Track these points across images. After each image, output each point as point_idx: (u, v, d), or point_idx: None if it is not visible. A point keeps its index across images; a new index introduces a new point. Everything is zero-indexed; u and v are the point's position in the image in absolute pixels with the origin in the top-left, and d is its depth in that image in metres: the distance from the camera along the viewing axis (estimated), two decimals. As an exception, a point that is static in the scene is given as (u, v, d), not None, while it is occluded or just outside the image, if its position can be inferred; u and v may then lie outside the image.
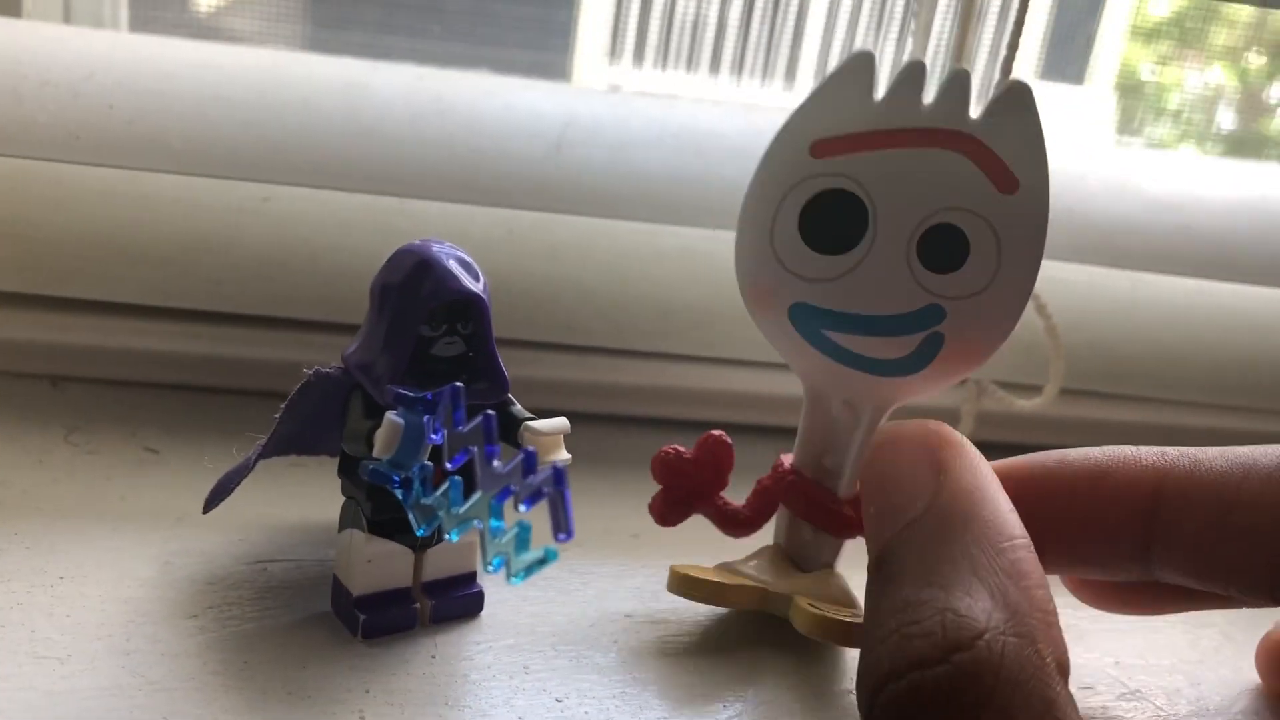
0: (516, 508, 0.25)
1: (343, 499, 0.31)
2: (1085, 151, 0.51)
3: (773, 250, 0.30)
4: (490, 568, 0.25)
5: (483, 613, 0.32)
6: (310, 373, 0.29)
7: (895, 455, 0.27)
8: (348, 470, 0.30)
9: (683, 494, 0.33)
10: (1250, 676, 0.34)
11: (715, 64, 0.83)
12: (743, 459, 0.34)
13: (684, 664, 0.31)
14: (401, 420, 0.27)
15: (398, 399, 0.27)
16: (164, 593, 0.31)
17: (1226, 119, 0.83)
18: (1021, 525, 0.25)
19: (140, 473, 0.37)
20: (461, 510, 0.26)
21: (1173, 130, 0.83)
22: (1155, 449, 0.29)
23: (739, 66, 0.83)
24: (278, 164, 0.41)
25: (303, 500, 0.36)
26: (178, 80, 0.42)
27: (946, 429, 0.27)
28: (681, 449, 0.33)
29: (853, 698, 0.29)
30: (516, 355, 0.40)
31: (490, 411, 0.26)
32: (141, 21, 0.57)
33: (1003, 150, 0.29)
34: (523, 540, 0.25)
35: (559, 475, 0.25)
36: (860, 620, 0.27)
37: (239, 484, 0.31)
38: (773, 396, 0.45)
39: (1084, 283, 0.48)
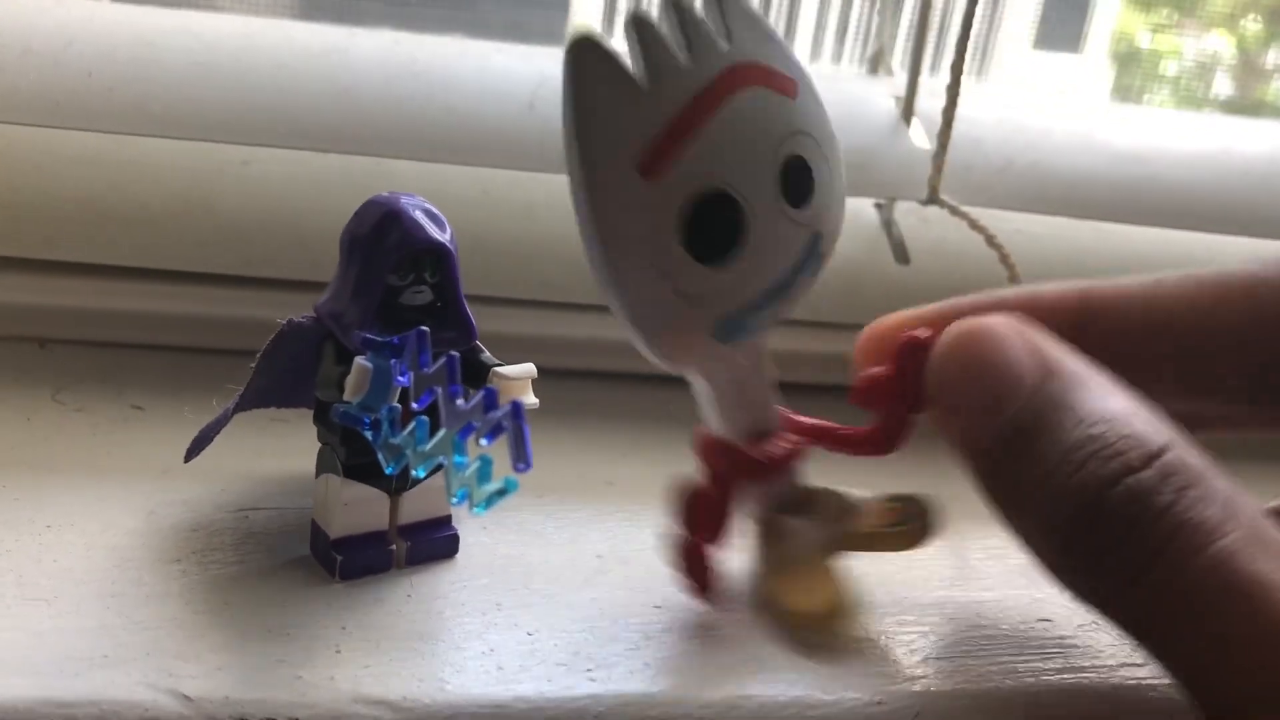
0: (478, 442, 0.26)
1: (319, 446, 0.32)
2: (1050, 107, 0.52)
3: (677, 294, 0.28)
4: (454, 500, 0.27)
5: (459, 555, 0.33)
6: (284, 322, 0.30)
7: (991, 344, 0.28)
8: (322, 417, 0.31)
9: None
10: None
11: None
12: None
13: (652, 599, 0.32)
14: (370, 364, 0.28)
15: (365, 344, 0.28)
16: (148, 540, 0.32)
17: (1223, 85, 0.83)
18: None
19: (126, 428, 0.38)
20: (427, 447, 0.27)
21: (1170, 97, 0.84)
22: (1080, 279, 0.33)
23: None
24: (257, 127, 0.42)
25: (282, 452, 0.37)
26: (157, 47, 0.43)
27: (1022, 318, 0.29)
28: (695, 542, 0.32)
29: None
30: (493, 311, 0.41)
31: (454, 354, 0.27)
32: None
33: (765, 57, 0.28)
34: (484, 473, 0.26)
35: (517, 410, 0.26)
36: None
37: (218, 433, 0.32)
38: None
39: (1049, 234, 0.49)
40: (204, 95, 0.42)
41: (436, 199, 0.32)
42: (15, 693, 0.25)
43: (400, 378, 0.27)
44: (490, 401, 0.26)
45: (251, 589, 0.30)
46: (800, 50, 0.82)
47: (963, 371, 0.29)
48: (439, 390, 0.27)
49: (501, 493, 0.26)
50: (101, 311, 0.43)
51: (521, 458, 0.26)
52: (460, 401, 0.26)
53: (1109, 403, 0.27)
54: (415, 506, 0.32)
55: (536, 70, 0.46)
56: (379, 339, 0.28)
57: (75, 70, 0.41)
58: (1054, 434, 0.27)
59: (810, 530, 0.33)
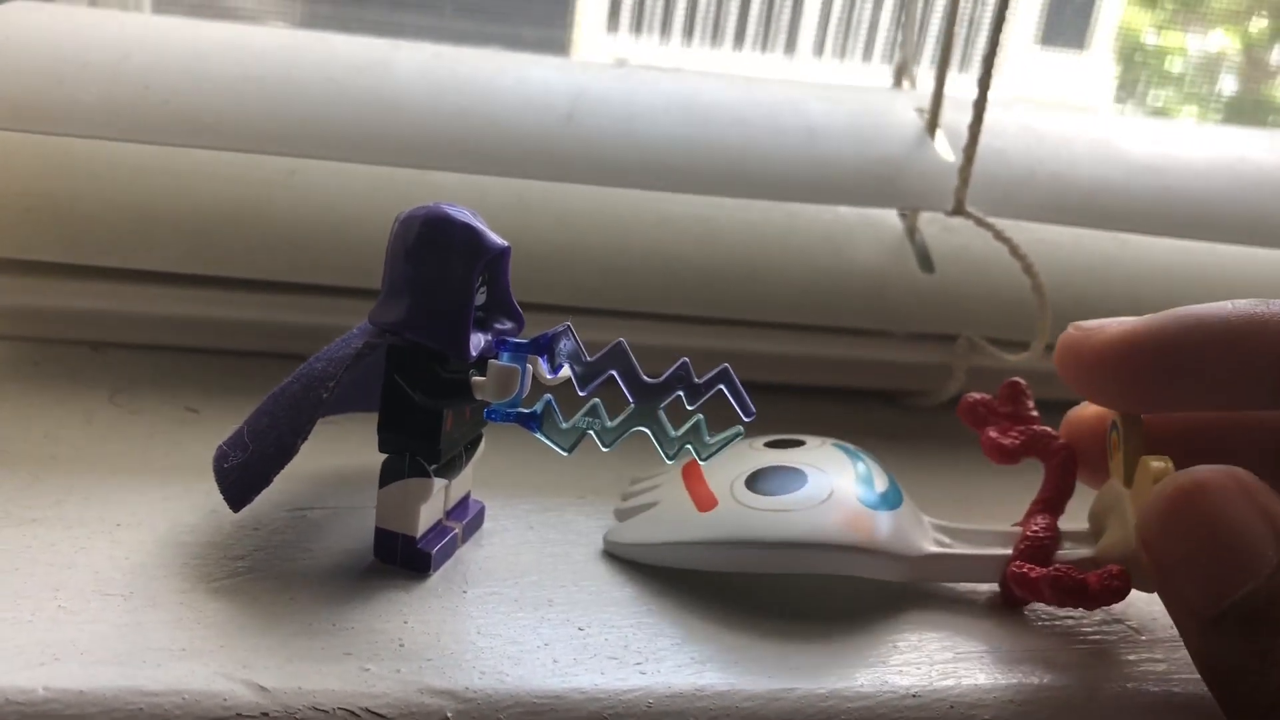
0: (689, 408, 0.31)
1: (382, 455, 0.33)
2: (1070, 117, 0.53)
3: None
4: (670, 459, 0.31)
5: (507, 555, 0.35)
6: (362, 344, 0.31)
7: (1222, 506, 0.28)
8: (400, 426, 0.32)
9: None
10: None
11: (716, 35, 0.85)
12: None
13: (696, 594, 0.34)
14: (514, 365, 0.31)
15: (516, 346, 0.31)
16: (213, 538, 0.33)
17: (1228, 84, 0.83)
18: None
19: (182, 430, 0.40)
20: (613, 423, 0.31)
21: (1173, 95, 0.84)
22: None
23: (739, 37, 0.84)
24: (303, 139, 0.43)
25: (332, 453, 0.38)
26: (209, 60, 0.44)
27: (1249, 475, 0.29)
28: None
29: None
30: (530, 318, 0.43)
31: (622, 339, 0.31)
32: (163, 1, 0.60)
33: None
34: (704, 429, 0.31)
35: (726, 371, 0.30)
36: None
37: (278, 471, 0.32)
38: (777, 355, 0.48)
39: (1070, 243, 0.50)
40: (253, 107, 0.44)
41: (475, 208, 0.33)
42: (104, 681, 0.27)
43: (551, 373, 0.31)
44: (687, 370, 0.30)
45: (314, 585, 0.32)
46: (825, 61, 0.84)
47: (1189, 533, 0.28)
48: (614, 372, 0.30)
49: (731, 439, 0.31)
50: (154, 316, 0.44)
51: (745, 409, 0.31)
52: (647, 378, 0.31)
53: None
54: (456, 490, 0.35)
55: (574, 83, 0.47)
56: (523, 341, 0.31)
57: (133, 83, 0.43)
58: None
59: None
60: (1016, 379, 0.37)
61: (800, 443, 0.37)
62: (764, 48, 0.85)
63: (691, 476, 0.36)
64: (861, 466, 0.36)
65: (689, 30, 0.86)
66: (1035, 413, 0.37)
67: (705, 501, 0.35)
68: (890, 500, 0.35)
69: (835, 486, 0.34)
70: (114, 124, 0.42)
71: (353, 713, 0.27)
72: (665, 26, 0.85)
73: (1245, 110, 0.85)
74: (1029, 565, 0.34)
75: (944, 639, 0.33)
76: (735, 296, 0.46)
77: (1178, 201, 0.49)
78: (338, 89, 0.45)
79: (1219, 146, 0.53)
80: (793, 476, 0.35)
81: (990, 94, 0.45)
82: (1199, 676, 0.30)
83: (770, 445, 0.37)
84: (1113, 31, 0.86)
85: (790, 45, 0.84)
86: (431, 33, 0.66)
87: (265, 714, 0.27)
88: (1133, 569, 0.32)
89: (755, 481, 0.35)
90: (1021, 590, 0.34)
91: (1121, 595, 0.32)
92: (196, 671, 0.27)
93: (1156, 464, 0.32)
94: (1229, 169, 0.51)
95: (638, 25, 0.86)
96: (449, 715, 0.28)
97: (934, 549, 0.35)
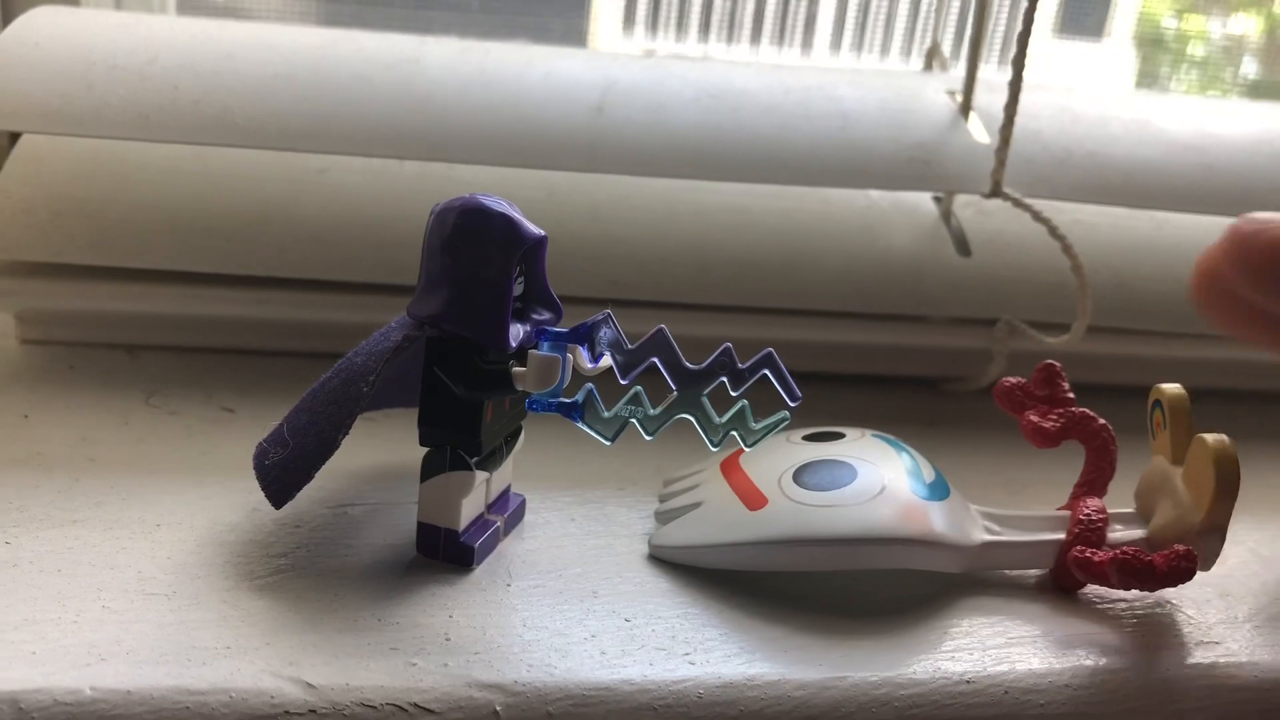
0: (733, 394, 0.30)
1: (422, 450, 0.32)
2: (1106, 96, 0.53)
3: None
4: (715, 446, 0.31)
5: (550, 548, 0.34)
6: (401, 338, 0.31)
7: None
8: (440, 419, 0.32)
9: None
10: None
11: (732, 31, 0.84)
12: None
13: (741, 584, 0.33)
14: (555, 355, 0.31)
15: (556, 335, 0.31)
16: (254, 536, 0.33)
17: (1250, 67, 0.83)
18: None
19: (220, 430, 0.40)
20: (657, 411, 0.31)
21: (1195, 81, 0.83)
22: None
23: (756, 32, 0.84)
24: (333, 136, 0.43)
25: (372, 449, 0.38)
26: (237, 60, 0.44)
27: None
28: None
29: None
30: (565, 311, 0.43)
31: (662, 326, 0.31)
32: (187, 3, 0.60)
33: None
34: (749, 415, 0.31)
35: (771, 355, 0.30)
36: None
37: (320, 466, 0.32)
38: (815, 343, 0.47)
39: (1108, 224, 0.49)
40: (282, 106, 0.43)
41: (509, 200, 0.33)
42: (150, 681, 0.26)
43: (592, 363, 0.31)
44: (730, 355, 0.30)
45: (358, 581, 0.32)
46: (843, 56, 0.83)
47: None
48: (656, 360, 0.30)
49: (778, 425, 0.31)
50: (187, 317, 0.44)
51: (791, 394, 0.31)
52: (690, 364, 0.31)
53: None
54: (497, 483, 0.35)
55: (603, 75, 0.47)
56: (563, 330, 0.31)
57: (161, 85, 0.43)
58: None
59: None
60: (1051, 361, 0.36)
61: (839, 435, 0.36)
62: (781, 43, 0.84)
63: (733, 473, 0.36)
64: (907, 458, 0.35)
65: (705, 27, 0.85)
66: (1071, 394, 0.36)
67: (754, 499, 0.34)
68: (939, 491, 0.34)
69: (886, 480, 0.34)
70: (143, 126, 0.42)
71: (401, 708, 0.27)
72: (681, 23, 0.85)
73: (1269, 93, 0.83)
74: (1091, 549, 0.33)
75: (996, 624, 0.33)
76: (771, 285, 0.46)
77: (1219, 179, 0.48)
78: (367, 86, 0.44)
79: (1258, 122, 0.52)
80: (842, 470, 0.34)
81: (1024, 74, 0.45)
82: (1252, 660, 0.29)
83: (809, 439, 0.37)
84: (1132, 18, 0.85)
85: (807, 41, 0.83)
86: (457, 28, 0.66)
87: (313, 710, 0.27)
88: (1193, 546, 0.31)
89: (803, 476, 0.34)
90: (1085, 574, 0.33)
91: (1189, 575, 0.31)
92: (243, 669, 0.27)
93: (1213, 439, 0.31)
94: (1270, 145, 0.50)
95: (654, 23, 0.86)
96: (498, 709, 0.27)
97: (987, 537, 0.34)
